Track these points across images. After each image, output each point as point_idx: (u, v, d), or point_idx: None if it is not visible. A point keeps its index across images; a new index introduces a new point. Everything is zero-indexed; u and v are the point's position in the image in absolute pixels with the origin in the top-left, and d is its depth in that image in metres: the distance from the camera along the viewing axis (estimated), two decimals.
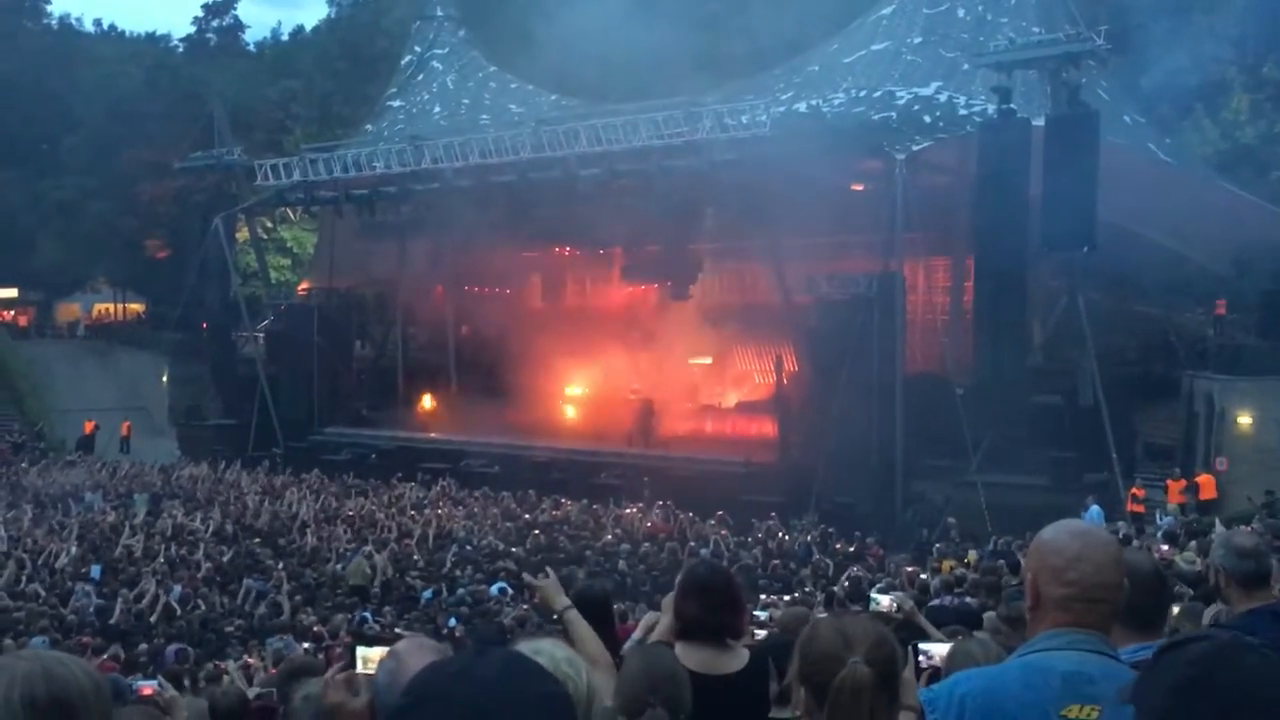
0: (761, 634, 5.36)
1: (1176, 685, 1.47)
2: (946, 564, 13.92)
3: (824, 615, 2.49)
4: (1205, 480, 20.26)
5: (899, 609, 4.45)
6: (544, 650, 2.02)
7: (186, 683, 7.80)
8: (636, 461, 25.53)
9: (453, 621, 11.84)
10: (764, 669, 3.44)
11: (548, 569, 3.94)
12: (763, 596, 12.37)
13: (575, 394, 31.00)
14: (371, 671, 3.00)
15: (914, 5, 28.06)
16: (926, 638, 3.93)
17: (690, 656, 3.28)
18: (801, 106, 26.16)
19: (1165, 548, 10.65)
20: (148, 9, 64.79)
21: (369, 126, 35.47)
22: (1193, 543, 7.39)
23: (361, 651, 3.18)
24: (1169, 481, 20.33)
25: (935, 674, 2.93)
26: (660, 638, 3.45)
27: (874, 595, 5.12)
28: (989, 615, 5.54)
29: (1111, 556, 2.25)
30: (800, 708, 2.18)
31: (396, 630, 10.83)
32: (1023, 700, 2.12)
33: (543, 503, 22.26)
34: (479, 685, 1.32)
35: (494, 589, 14.16)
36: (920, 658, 3.05)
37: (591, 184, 26.58)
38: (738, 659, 3.41)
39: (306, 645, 10.44)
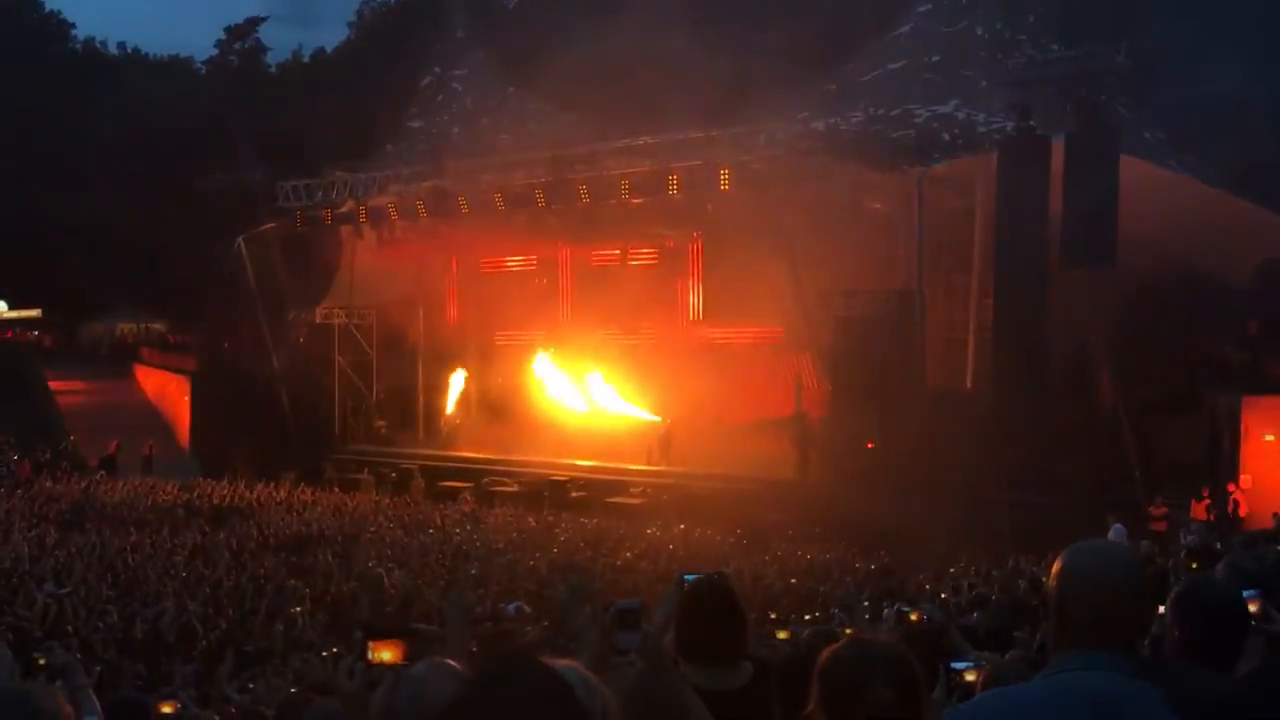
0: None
1: None
2: (967, 583, 13.82)
3: (844, 639, 2.48)
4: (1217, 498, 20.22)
5: (930, 620, 4.43)
6: (560, 671, 2.01)
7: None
8: (656, 480, 25.53)
9: None
10: (768, 683, 3.46)
11: (573, 582, 3.95)
12: (781, 615, 12.30)
13: (596, 411, 31.01)
14: (382, 659, 3.02)
15: (932, 23, 28.08)
16: (959, 652, 3.90)
17: (695, 673, 3.31)
18: (819, 125, 26.18)
19: (1195, 566, 10.53)
20: (171, 32, 65.52)
21: (389, 147, 35.68)
22: (1219, 564, 7.31)
23: (372, 643, 3.19)
24: (1207, 491, 20.28)
25: (968, 693, 2.91)
26: (655, 632, 3.45)
27: (903, 608, 5.10)
28: (1017, 635, 5.51)
29: (1136, 577, 2.23)
30: None
31: (411, 626, 10.78)
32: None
33: (561, 521, 22.24)
34: (515, 715, 1.28)
35: (511, 607, 14.13)
36: (953, 676, 3.04)
37: (611, 204, 26.77)
38: (742, 674, 3.44)
39: (324, 654, 10.44)
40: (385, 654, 2.99)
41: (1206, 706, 2.13)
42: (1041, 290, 21.44)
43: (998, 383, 22.09)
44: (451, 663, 2.60)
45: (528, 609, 13.86)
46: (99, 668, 8.90)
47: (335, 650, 11.66)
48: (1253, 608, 3.19)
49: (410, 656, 3.03)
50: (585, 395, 31.50)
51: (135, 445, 35.09)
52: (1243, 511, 19.85)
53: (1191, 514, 19.74)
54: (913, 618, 4.66)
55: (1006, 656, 4.55)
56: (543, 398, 31.95)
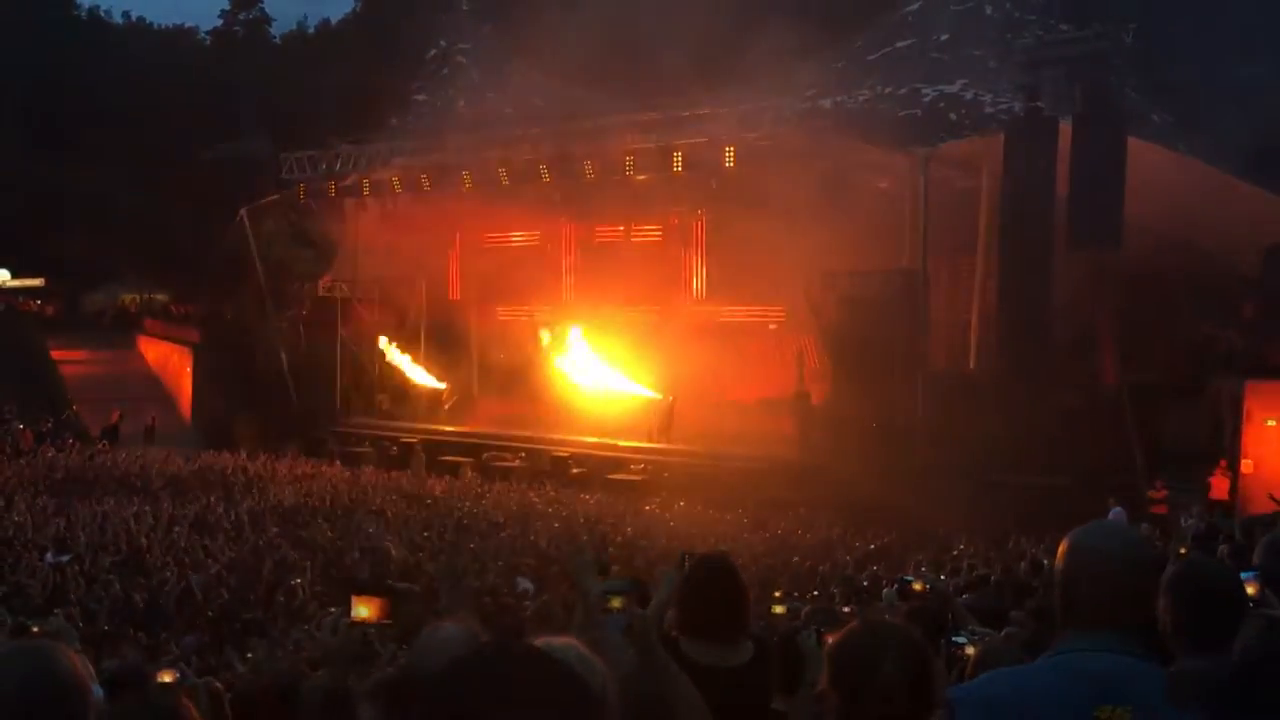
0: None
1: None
2: (967, 563, 13.85)
3: (855, 621, 2.48)
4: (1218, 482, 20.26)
5: (932, 588, 4.44)
6: (557, 649, 2.01)
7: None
8: (657, 457, 25.56)
9: None
10: (769, 662, 3.46)
11: (583, 547, 3.96)
12: (781, 593, 12.31)
13: (598, 388, 31.03)
14: (363, 615, 3.06)
15: (941, 2, 27.89)
16: (960, 624, 3.90)
17: (696, 650, 3.31)
18: (826, 103, 26.05)
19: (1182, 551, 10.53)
20: (176, 2, 65.09)
21: (394, 120, 35.56)
22: (1223, 546, 7.31)
23: (354, 598, 3.22)
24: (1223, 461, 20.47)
25: (966, 667, 2.91)
26: (654, 614, 3.46)
27: (905, 577, 5.12)
28: (1014, 614, 5.52)
29: (1143, 558, 2.23)
30: (831, 715, 2.17)
31: (391, 584, 10.85)
32: (1054, 701, 2.10)
33: (562, 497, 22.28)
34: (503, 687, 1.27)
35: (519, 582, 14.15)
36: (953, 650, 3.04)
37: (615, 179, 26.71)
38: (743, 652, 3.44)
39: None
40: (364, 610, 3.04)
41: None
42: (1046, 272, 21.38)
43: (1001, 364, 22.08)
44: (458, 629, 2.61)
45: (528, 584, 13.90)
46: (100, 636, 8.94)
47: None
48: (1250, 590, 3.17)
49: (389, 614, 3.06)
50: (587, 371, 31.49)
51: (137, 415, 35.14)
52: (1220, 495, 19.87)
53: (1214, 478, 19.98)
54: (916, 587, 4.67)
55: (1001, 634, 4.55)
56: (545, 373, 31.95)
